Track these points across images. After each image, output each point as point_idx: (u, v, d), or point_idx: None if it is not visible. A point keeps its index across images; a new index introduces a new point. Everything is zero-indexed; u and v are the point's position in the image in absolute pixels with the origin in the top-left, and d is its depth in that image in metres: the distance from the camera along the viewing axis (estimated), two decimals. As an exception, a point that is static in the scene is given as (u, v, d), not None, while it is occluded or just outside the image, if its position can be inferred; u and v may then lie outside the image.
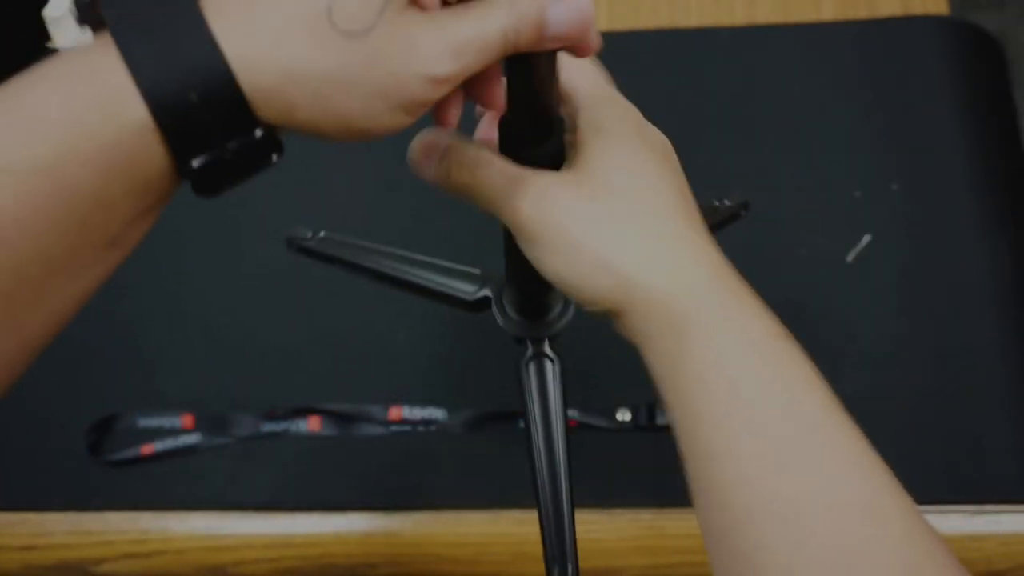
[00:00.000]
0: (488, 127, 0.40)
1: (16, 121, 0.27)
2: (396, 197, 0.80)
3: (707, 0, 0.87)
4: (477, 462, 0.69)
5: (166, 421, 0.72)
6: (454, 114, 0.36)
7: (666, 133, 0.81)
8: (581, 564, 0.66)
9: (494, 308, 0.57)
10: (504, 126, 0.40)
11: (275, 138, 0.32)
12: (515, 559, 0.67)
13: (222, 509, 0.69)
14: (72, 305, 0.31)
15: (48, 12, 0.82)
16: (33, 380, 0.76)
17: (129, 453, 0.70)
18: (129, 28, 0.27)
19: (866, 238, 0.74)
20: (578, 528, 0.67)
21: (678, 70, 0.83)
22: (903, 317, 0.71)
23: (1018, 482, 0.65)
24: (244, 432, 0.71)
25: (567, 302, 0.56)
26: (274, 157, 0.33)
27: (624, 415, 0.69)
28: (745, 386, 0.33)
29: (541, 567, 0.67)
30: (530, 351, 0.56)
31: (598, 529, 0.66)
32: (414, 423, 0.70)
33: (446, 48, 0.31)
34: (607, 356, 0.72)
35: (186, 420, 0.71)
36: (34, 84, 0.28)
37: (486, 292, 0.57)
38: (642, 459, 0.68)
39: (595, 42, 0.35)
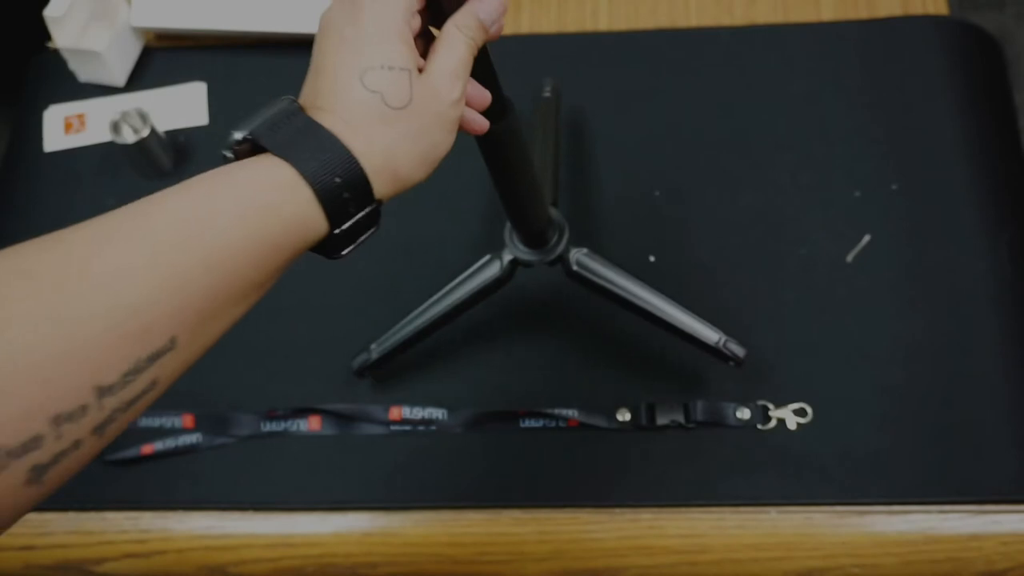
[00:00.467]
0: None
1: (228, 198, 0.38)
2: (396, 197, 0.80)
3: (707, 0, 0.87)
4: (477, 462, 0.69)
5: (167, 421, 0.72)
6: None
7: (666, 133, 0.81)
8: (581, 564, 0.66)
9: (507, 243, 0.67)
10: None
11: (380, 210, 0.44)
12: (515, 559, 0.67)
13: (222, 509, 0.69)
14: (230, 326, 0.40)
15: (48, 12, 0.82)
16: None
17: (130, 453, 0.71)
18: (287, 147, 0.40)
19: (866, 238, 0.75)
20: (578, 528, 0.67)
21: (678, 70, 0.83)
22: (903, 317, 0.71)
23: (1018, 482, 0.66)
24: (244, 432, 0.71)
25: (560, 233, 0.66)
26: (377, 226, 0.44)
27: (624, 415, 0.69)
28: None
29: (541, 567, 0.67)
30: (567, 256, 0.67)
31: (598, 529, 0.66)
32: (414, 423, 0.70)
33: (449, 76, 0.44)
34: (607, 356, 0.72)
35: (187, 420, 0.72)
36: (232, 173, 0.39)
37: (502, 258, 0.67)
38: (642, 459, 0.68)
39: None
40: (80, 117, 0.86)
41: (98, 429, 0.33)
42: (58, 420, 0.32)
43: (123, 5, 0.86)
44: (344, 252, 0.43)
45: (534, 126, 0.75)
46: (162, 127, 0.82)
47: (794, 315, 0.72)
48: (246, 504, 0.69)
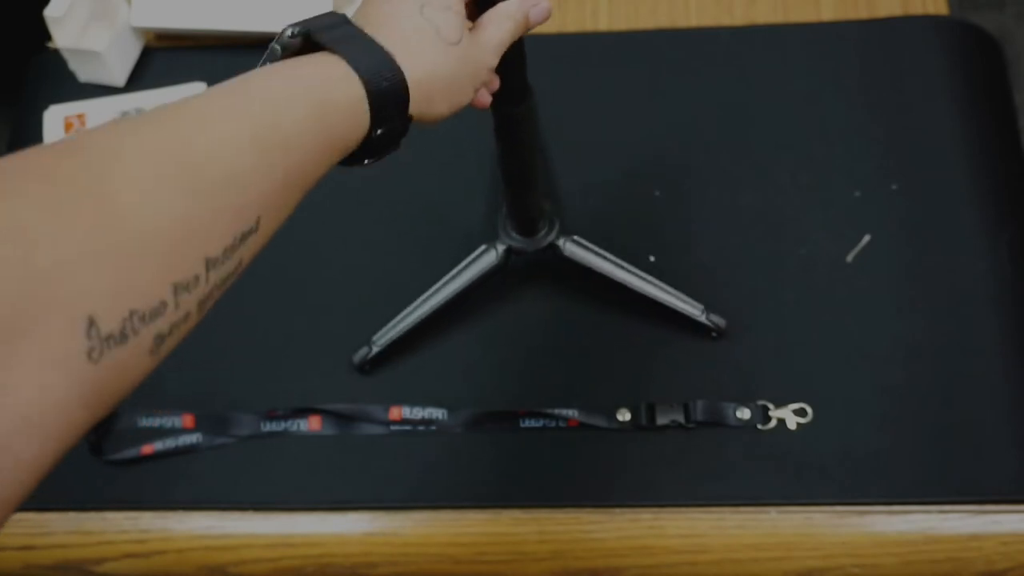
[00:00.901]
0: None
1: (300, 88, 0.40)
2: (392, 193, 0.80)
3: (707, 0, 0.87)
4: (477, 462, 0.69)
5: (167, 421, 0.72)
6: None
7: (666, 133, 0.81)
8: (581, 564, 0.67)
9: (501, 234, 0.69)
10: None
11: (407, 128, 0.45)
12: (515, 559, 0.67)
13: (223, 509, 0.69)
14: (292, 210, 0.40)
15: (49, 12, 0.82)
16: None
17: (130, 453, 0.71)
18: (342, 46, 0.42)
19: (866, 238, 0.75)
20: (578, 528, 0.67)
21: (678, 70, 0.83)
22: (903, 317, 0.71)
23: (1018, 482, 0.66)
24: (245, 432, 0.71)
25: (551, 222, 0.69)
26: (398, 146, 0.46)
27: (624, 415, 0.69)
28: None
29: (541, 567, 0.67)
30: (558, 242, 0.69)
31: (598, 529, 0.66)
32: (414, 423, 0.70)
33: (494, 47, 0.48)
34: (607, 356, 0.72)
35: (187, 420, 0.72)
36: (298, 65, 0.42)
37: (498, 246, 0.69)
38: (642, 459, 0.68)
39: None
40: (80, 117, 0.86)
41: (202, 303, 0.35)
42: (177, 289, 0.33)
43: (123, 5, 0.86)
44: (367, 162, 0.45)
45: None
46: (162, 127, 0.82)
47: (794, 315, 0.72)
48: (246, 504, 0.69)
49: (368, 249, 0.78)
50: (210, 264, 0.34)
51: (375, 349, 0.71)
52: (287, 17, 0.93)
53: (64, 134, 0.86)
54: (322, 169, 0.41)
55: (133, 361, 0.32)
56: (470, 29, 0.48)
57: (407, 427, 0.70)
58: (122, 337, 0.31)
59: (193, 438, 0.71)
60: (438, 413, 0.70)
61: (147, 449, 0.71)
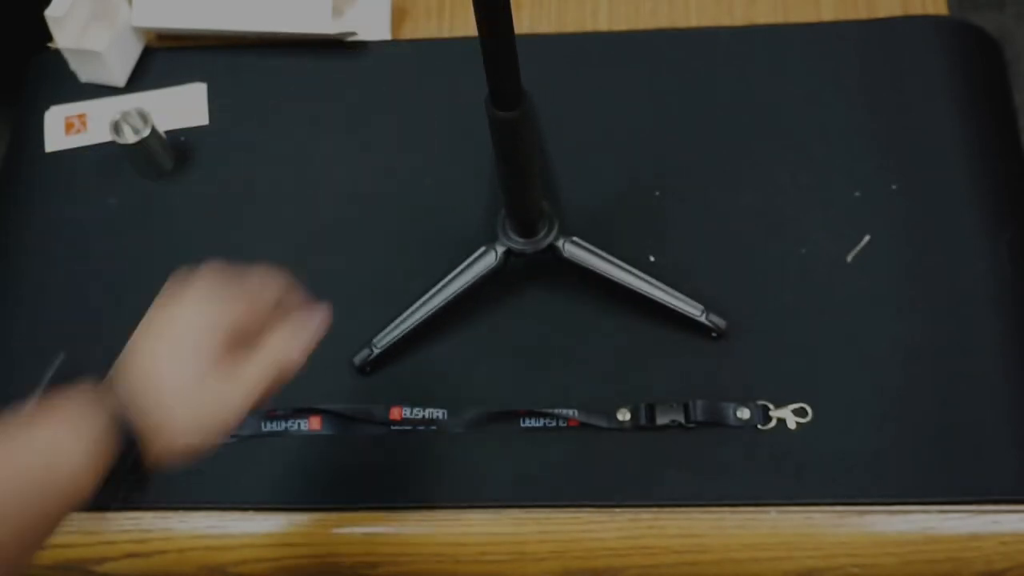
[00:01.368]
0: None
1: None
2: (392, 195, 0.80)
3: (707, 0, 0.87)
4: (477, 462, 0.69)
5: (167, 421, 0.72)
6: None
7: (666, 133, 0.81)
8: (581, 564, 0.67)
9: (500, 235, 0.70)
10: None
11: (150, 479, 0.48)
12: (515, 559, 0.67)
13: (223, 509, 0.69)
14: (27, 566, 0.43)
15: (49, 12, 0.82)
16: (35, 379, 0.76)
17: (130, 453, 0.71)
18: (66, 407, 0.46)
19: (866, 238, 0.75)
20: (578, 528, 0.67)
21: (678, 70, 0.84)
22: (903, 317, 0.71)
23: (1017, 482, 0.66)
24: (245, 432, 0.71)
25: (550, 224, 0.69)
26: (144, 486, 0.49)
27: (624, 415, 0.69)
28: None
29: (541, 567, 0.67)
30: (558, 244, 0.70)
31: (598, 529, 0.66)
32: (414, 423, 0.70)
33: (243, 389, 0.52)
34: (607, 356, 0.72)
35: (187, 420, 0.72)
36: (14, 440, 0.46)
37: (497, 247, 0.70)
38: (642, 459, 0.68)
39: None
40: (81, 117, 0.86)
41: None
42: None
43: (124, 5, 0.86)
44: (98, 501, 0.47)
45: None
46: (163, 127, 0.82)
47: (794, 315, 0.72)
48: (247, 504, 0.69)
49: (368, 251, 0.78)
50: None
51: (376, 351, 0.71)
52: (287, 17, 0.94)
53: (65, 134, 0.86)
54: (42, 530, 0.44)
55: None
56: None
57: (407, 427, 0.70)
58: None
59: (194, 438, 0.71)
60: (438, 413, 0.70)
61: (148, 449, 0.71)
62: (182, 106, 0.86)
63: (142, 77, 0.88)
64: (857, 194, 0.76)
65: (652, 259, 0.75)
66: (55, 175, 0.84)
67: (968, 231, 0.74)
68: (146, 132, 0.79)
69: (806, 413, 0.69)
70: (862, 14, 0.85)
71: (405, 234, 0.78)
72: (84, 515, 0.69)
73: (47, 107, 0.86)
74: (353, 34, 0.87)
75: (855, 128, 0.79)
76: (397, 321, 0.71)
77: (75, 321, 0.77)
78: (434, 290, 0.71)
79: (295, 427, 0.71)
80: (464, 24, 0.89)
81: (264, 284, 0.56)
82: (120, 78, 0.87)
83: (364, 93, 0.85)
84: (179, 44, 0.89)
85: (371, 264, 0.77)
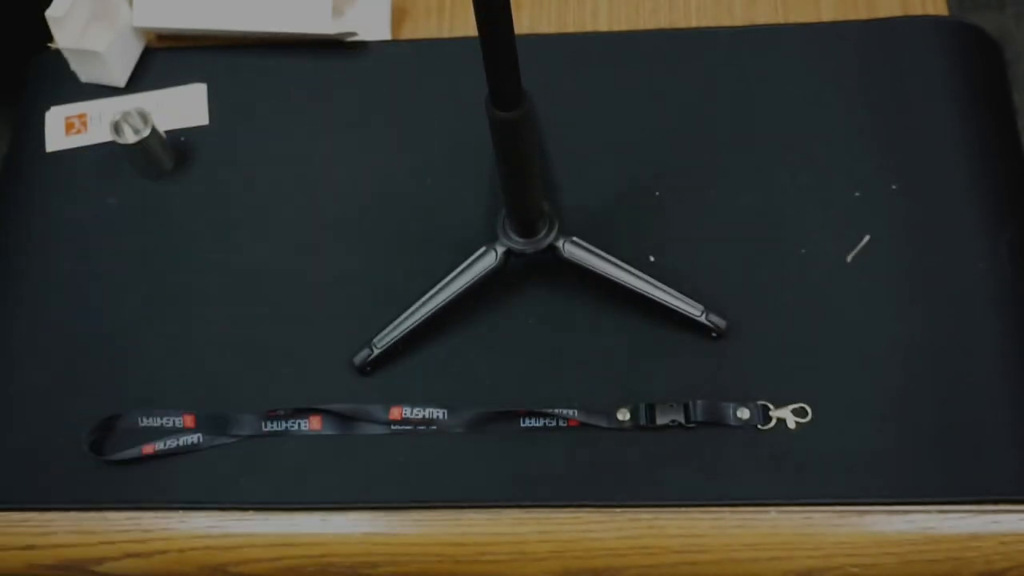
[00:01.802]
0: None
1: None
2: (392, 195, 0.80)
3: (707, 0, 0.87)
4: (477, 462, 0.69)
5: (168, 421, 0.72)
6: None
7: (666, 133, 0.81)
8: (581, 564, 0.67)
9: (500, 235, 0.70)
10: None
11: None
12: (515, 559, 0.67)
13: (223, 509, 0.69)
14: None
15: (50, 13, 0.82)
16: (36, 379, 0.77)
17: (131, 453, 0.71)
18: None
19: (866, 238, 0.75)
20: (578, 528, 0.67)
21: (678, 70, 0.84)
22: (903, 317, 0.71)
23: (1018, 482, 0.66)
24: (245, 432, 0.71)
25: (551, 224, 0.69)
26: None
27: (624, 415, 0.69)
28: None
29: (541, 567, 0.67)
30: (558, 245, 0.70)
31: (598, 529, 0.66)
32: (414, 423, 0.70)
33: None
34: (607, 356, 0.72)
35: (187, 420, 0.72)
36: None
37: (497, 247, 0.70)
38: (642, 459, 0.68)
39: None
40: (81, 117, 0.86)
41: None
42: None
43: (124, 5, 0.86)
44: None
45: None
46: (163, 127, 0.82)
47: (794, 315, 0.72)
48: (247, 504, 0.69)
49: (367, 251, 0.78)
50: None
51: (376, 351, 0.71)
52: (287, 17, 0.94)
53: (65, 134, 0.86)
54: None
55: None
56: None
57: (407, 427, 0.71)
58: None
59: (194, 438, 0.71)
60: (438, 413, 0.70)
61: (148, 449, 0.71)
62: (182, 106, 0.86)
63: (142, 77, 0.88)
64: (857, 194, 0.76)
65: (652, 259, 0.75)
66: (55, 175, 0.84)
67: (968, 231, 0.74)
68: (146, 132, 0.79)
69: (806, 413, 0.69)
70: (862, 14, 0.85)
71: (405, 234, 0.78)
72: (84, 515, 0.70)
73: (47, 107, 0.87)
74: (353, 34, 0.87)
75: (855, 128, 0.79)
76: (397, 321, 0.71)
77: (75, 321, 0.77)
78: (434, 290, 0.71)
79: (295, 427, 0.71)
80: (464, 24, 0.89)
81: None
82: (120, 78, 0.87)
83: (364, 93, 0.85)
84: (179, 44, 0.89)
85: (371, 264, 0.77)
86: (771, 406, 0.69)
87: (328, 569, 0.68)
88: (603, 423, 0.69)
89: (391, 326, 0.71)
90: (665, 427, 0.69)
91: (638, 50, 0.85)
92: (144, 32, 0.89)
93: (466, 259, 0.71)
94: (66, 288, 0.78)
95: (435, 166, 0.81)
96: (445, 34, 0.88)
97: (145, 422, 0.72)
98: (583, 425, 0.69)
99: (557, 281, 0.74)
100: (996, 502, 0.65)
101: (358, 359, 0.72)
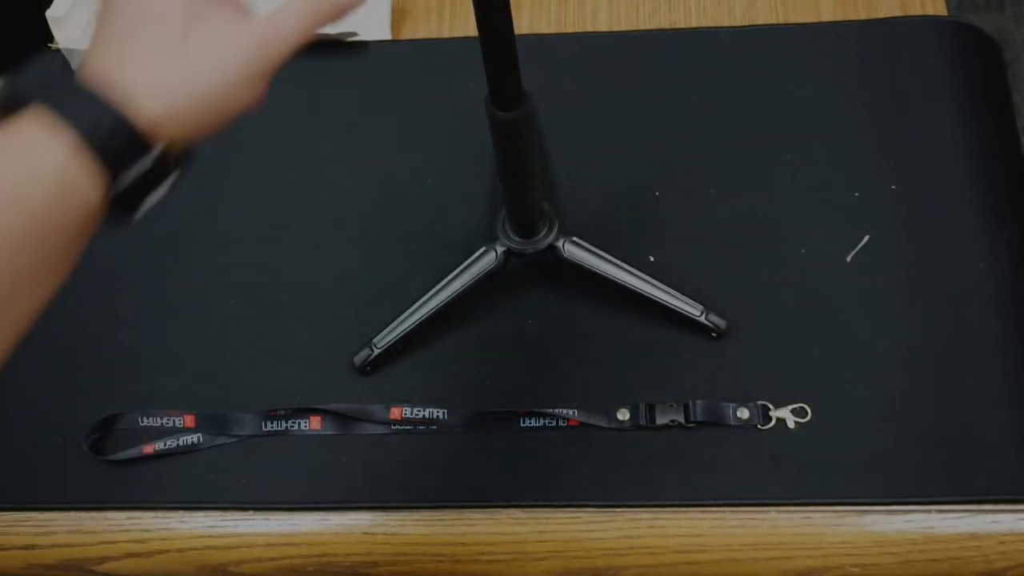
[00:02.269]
0: None
1: None
2: (392, 195, 0.80)
3: (707, 0, 0.87)
4: (477, 462, 0.69)
5: (168, 420, 0.72)
6: None
7: (666, 133, 0.81)
8: (581, 563, 0.67)
9: (500, 235, 0.69)
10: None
11: (171, 156, 0.39)
12: (515, 559, 0.67)
13: (224, 508, 0.69)
14: (27, 319, 0.37)
15: (51, 13, 0.82)
16: (36, 380, 0.77)
17: (131, 452, 0.71)
18: (59, 103, 0.36)
19: (866, 238, 0.75)
20: (578, 528, 0.67)
21: (678, 70, 0.84)
22: (903, 317, 0.71)
23: (1016, 481, 0.66)
24: (245, 432, 0.71)
25: (550, 224, 0.69)
26: (173, 175, 0.40)
27: (624, 415, 0.69)
28: None
29: (541, 567, 0.67)
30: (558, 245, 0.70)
31: (598, 529, 0.66)
32: (414, 423, 0.70)
33: (262, 34, 0.42)
34: (606, 355, 0.72)
35: (188, 420, 0.72)
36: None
37: (497, 248, 0.70)
38: (642, 459, 0.68)
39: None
40: (81, 117, 0.86)
41: None
42: None
43: (124, 5, 0.86)
44: (138, 214, 0.39)
45: None
46: (163, 127, 0.82)
47: (794, 315, 0.72)
48: (247, 504, 0.69)
49: (367, 251, 0.78)
50: None
51: (376, 351, 0.71)
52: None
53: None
54: (58, 250, 0.36)
55: None
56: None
57: (407, 427, 0.71)
58: None
59: (194, 438, 0.71)
60: (438, 413, 0.70)
61: (148, 449, 0.71)
62: (182, 106, 0.85)
63: (142, 77, 0.87)
64: (857, 194, 0.76)
65: (652, 259, 0.75)
66: (55, 175, 0.84)
67: (968, 231, 0.74)
68: (146, 132, 0.79)
69: (806, 413, 0.69)
70: (862, 14, 0.85)
71: (405, 234, 0.78)
72: (84, 515, 0.70)
73: (47, 107, 0.86)
74: (353, 34, 0.87)
75: (855, 128, 0.79)
76: (397, 321, 0.71)
77: (75, 321, 0.77)
78: (434, 290, 0.71)
79: (295, 427, 0.71)
80: (464, 24, 0.89)
81: None
82: (120, 78, 0.87)
83: (364, 93, 0.85)
84: (179, 44, 0.89)
85: (371, 264, 0.77)
86: (771, 406, 0.69)
87: (328, 569, 0.68)
88: (603, 423, 0.69)
89: (391, 326, 0.71)
90: (665, 427, 0.69)
91: (638, 50, 0.85)
92: (144, 32, 0.89)
93: (466, 259, 0.71)
94: (66, 288, 0.78)
95: (435, 166, 0.81)
96: (445, 34, 0.88)
97: (145, 422, 0.72)
98: (583, 425, 0.69)
99: (557, 281, 0.74)
100: (995, 502, 0.65)
101: (358, 359, 0.72)
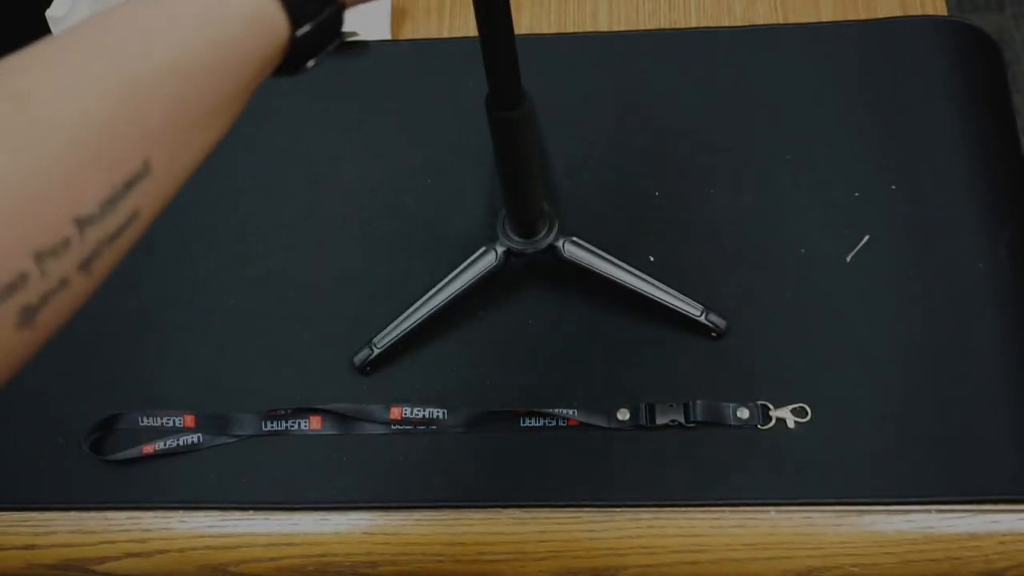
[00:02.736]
0: None
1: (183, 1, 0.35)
2: (392, 195, 0.80)
3: (707, 0, 0.87)
4: (477, 462, 0.69)
5: (168, 420, 0.72)
6: None
7: (666, 133, 0.81)
8: (581, 563, 0.67)
9: (500, 235, 0.69)
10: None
11: (342, 16, 0.41)
12: (515, 558, 0.67)
13: (224, 508, 0.69)
14: (201, 155, 0.37)
15: (51, 13, 0.82)
16: (36, 380, 0.77)
17: (131, 452, 0.71)
18: None
19: (866, 238, 0.75)
20: (578, 528, 0.67)
21: (678, 70, 0.84)
22: (903, 317, 0.71)
23: (1016, 481, 0.66)
24: (245, 431, 0.71)
25: (551, 224, 0.69)
26: (341, 37, 0.42)
27: (624, 415, 0.69)
28: None
29: (541, 566, 0.67)
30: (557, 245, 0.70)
31: (598, 529, 0.66)
32: (414, 423, 0.70)
33: None
34: (607, 356, 0.72)
35: (188, 420, 0.72)
36: None
37: (497, 248, 0.70)
38: (642, 459, 0.68)
39: None
40: (81, 117, 0.86)
41: (84, 265, 0.33)
42: (40, 256, 0.30)
43: (124, 5, 0.86)
44: (309, 65, 0.41)
45: None
46: (163, 127, 0.82)
47: (794, 315, 0.72)
48: (247, 503, 0.69)
49: (368, 250, 0.78)
50: (84, 223, 0.31)
51: (376, 351, 0.71)
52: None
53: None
54: (238, 87, 0.36)
55: None
56: None
57: (407, 427, 0.71)
58: None
59: (194, 438, 0.71)
60: (438, 413, 0.70)
61: (148, 449, 0.71)
62: (182, 106, 0.85)
63: (142, 77, 0.87)
64: (857, 194, 0.76)
65: (652, 259, 0.75)
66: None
67: (968, 231, 0.74)
68: (146, 132, 0.79)
69: (806, 413, 0.69)
70: (861, 14, 0.85)
71: (405, 234, 0.78)
72: (84, 515, 0.70)
73: (47, 107, 0.86)
74: (353, 34, 0.87)
75: (855, 128, 0.79)
76: (397, 321, 0.71)
77: (75, 321, 0.76)
78: (434, 290, 0.71)
79: (295, 427, 0.71)
80: (464, 24, 0.89)
81: None
82: (120, 78, 0.87)
83: (364, 93, 0.85)
84: (179, 44, 0.89)
85: (371, 264, 0.77)
86: (771, 406, 0.69)
87: (328, 568, 0.68)
88: (603, 423, 0.69)
89: (391, 326, 0.71)
90: (665, 427, 0.69)
91: (638, 50, 0.85)
92: (144, 32, 0.89)
93: (466, 259, 0.71)
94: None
95: (435, 166, 0.81)
96: (445, 34, 0.88)
97: (145, 422, 0.72)
98: (583, 425, 0.69)
99: (557, 281, 0.75)
100: (995, 502, 0.65)
101: (358, 359, 0.72)
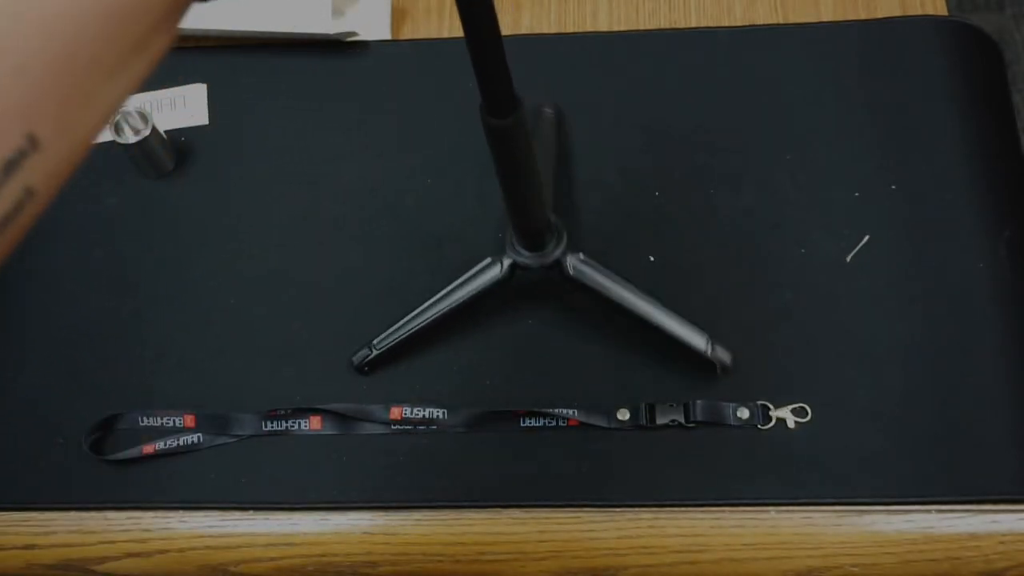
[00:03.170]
0: None
1: None
2: (392, 195, 0.80)
3: (707, 0, 0.87)
4: (477, 462, 0.69)
5: (168, 420, 0.72)
6: None
7: (666, 133, 0.81)
8: (581, 563, 0.67)
9: (507, 247, 0.68)
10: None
11: None
12: (515, 558, 0.67)
13: (224, 508, 0.69)
14: (106, 112, 0.32)
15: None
16: (36, 379, 0.77)
17: (131, 452, 0.71)
18: None
19: (866, 238, 0.75)
20: (578, 528, 0.67)
21: (678, 70, 0.84)
22: (903, 317, 0.71)
23: (1016, 481, 0.66)
24: (245, 431, 0.71)
25: (558, 238, 0.67)
26: None
27: (624, 415, 0.69)
28: None
29: (541, 566, 0.67)
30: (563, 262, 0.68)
31: (598, 529, 0.66)
32: (414, 423, 0.70)
33: None
34: (607, 356, 0.72)
35: (188, 420, 0.72)
36: None
37: (502, 261, 0.68)
38: (642, 459, 0.68)
39: None
40: (81, 117, 0.86)
41: None
42: None
43: (124, 5, 0.86)
44: None
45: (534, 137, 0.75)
46: (163, 127, 0.82)
47: (794, 315, 0.72)
48: (247, 503, 0.69)
49: (367, 250, 0.78)
50: None
51: (375, 352, 0.71)
52: (287, 17, 0.94)
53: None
54: (136, 34, 0.31)
55: None
56: None
57: (407, 427, 0.71)
58: None
59: (194, 438, 0.71)
60: (438, 413, 0.70)
61: (148, 449, 0.71)
62: (182, 106, 0.86)
63: (142, 77, 0.87)
64: (857, 194, 0.76)
65: (652, 259, 0.75)
66: (55, 175, 0.84)
67: (967, 231, 0.74)
68: (146, 132, 0.79)
69: (806, 413, 0.69)
70: (861, 14, 0.85)
71: (405, 234, 0.78)
72: (84, 515, 0.70)
73: (47, 107, 0.86)
74: (353, 34, 0.87)
75: (855, 128, 0.79)
76: (397, 325, 0.71)
77: (75, 321, 0.77)
78: (435, 298, 0.70)
79: (295, 427, 0.71)
80: (464, 24, 0.89)
81: None
82: (120, 78, 0.87)
83: (364, 93, 0.85)
84: (179, 44, 0.89)
85: (371, 264, 0.77)
86: (771, 406, 0.69)
87: (328, 568, 0.68)
88: (603, 423, 0.69)
89: (391, 329, 0.71)
90: (665, 427, 0.69)
91: (638, 50, 0.85)
92: (144, 32, 0.89)
93: (466, 259, 0.70)
94: (66, 288, 0.78)
95: (435, 166, 0.81)
96: (445, 34, 0.88)
97: (145, 422, 0.72)
98: (583, 425, 0.69)
99: (559, 282, 0.74)
100: (995, 502, 0.65)
101: (357, 358, 0.72)
